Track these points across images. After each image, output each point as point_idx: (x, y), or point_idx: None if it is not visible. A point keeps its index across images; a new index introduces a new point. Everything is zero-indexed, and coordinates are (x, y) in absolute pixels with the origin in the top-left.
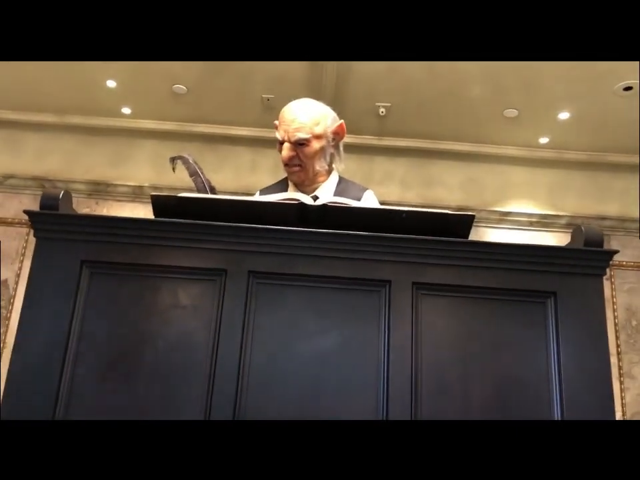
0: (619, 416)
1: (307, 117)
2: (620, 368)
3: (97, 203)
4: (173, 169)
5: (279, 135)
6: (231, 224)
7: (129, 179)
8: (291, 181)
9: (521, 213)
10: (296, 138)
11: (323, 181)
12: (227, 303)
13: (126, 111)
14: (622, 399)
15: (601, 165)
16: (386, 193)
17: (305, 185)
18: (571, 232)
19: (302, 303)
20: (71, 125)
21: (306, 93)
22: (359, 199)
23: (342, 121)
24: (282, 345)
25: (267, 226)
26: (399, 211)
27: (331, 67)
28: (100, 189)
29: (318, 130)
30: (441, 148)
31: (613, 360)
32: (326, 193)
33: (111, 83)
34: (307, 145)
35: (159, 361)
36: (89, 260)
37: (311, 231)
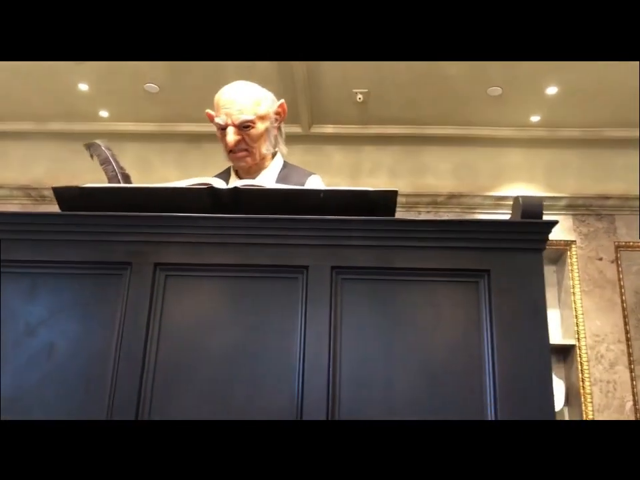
0: (629, 406)
1: (247, 98)
2: (630, 355)
3: None
4: (91, 156)
5: (220, 121)
6: (134, 214)
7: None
8: (238, 168)
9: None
10: (240, 120)
11: (265, 167)
12: (131, 298)
13: (104, 114)
14: (633, 388)
15: (599, 141)
16: (376, 184)
17: (251, 172)
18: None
19: (214, 295)
20: (52, 132)
21: (278, 83)
22: (302, 184)
23: (282, 100)
24: (192, 340)
25: (173, 214)
26: (316, 190)
27: None
28: None
29: (261, 110)
30: (428, 133)
31: (622, 347)
32: (268, 179)
33: (83, 87)
34: (252, 127)
35: (60, 362)
36: None
37: (220, 217)
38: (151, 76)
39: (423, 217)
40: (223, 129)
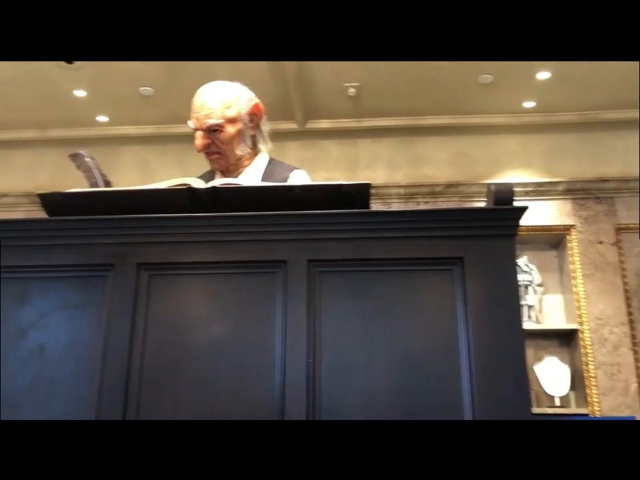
0: (634, 387)
1: (216, 101)
2: (633, 337)
3: None
4: (77, 167)
5: (191, 124)
6: (116, 216)
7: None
8: (213, 169)
9: (515, 182)
10: (207, 125)
11: (248, 165)
12: (116, 298)
13: (102, 119)
14: (637, 370)
15: (596, 123)
16: (373, 176)
17: (231, 171)
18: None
19: (196, 292)
20: (53, 139)
21: (269, 80)
22: (286, 180)
23: (257, 100)
24: (176, 338)
25: (154, 215)
26: (291, 186)
27: None
28: None
29: (230, 113)
30: (424, 124)
31: (625, 329)
32: (252, 177)
33: (80, 93)
34: (221, 131)
35: (50, 364)
36: None
37: (199, 216)
38: (145, 79)
39: (422, 207)
40: (195, 131)
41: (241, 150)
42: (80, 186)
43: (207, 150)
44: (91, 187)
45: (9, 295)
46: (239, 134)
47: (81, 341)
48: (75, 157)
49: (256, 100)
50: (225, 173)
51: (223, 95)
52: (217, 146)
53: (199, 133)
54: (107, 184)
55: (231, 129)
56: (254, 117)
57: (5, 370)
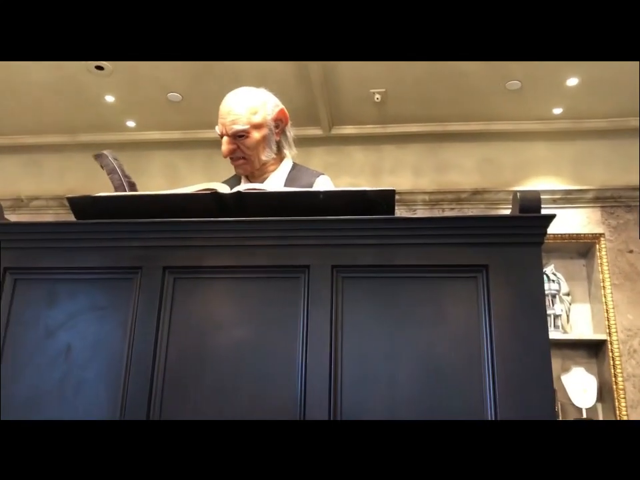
0: None
1: (242, 107)
2: None
3: None
4: (101, 167)
5: (217, 130)
6: (143, 220)
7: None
8: (238, 174)
9: (542, 190)
10: (233, 130)
11: (273, 170)
12: (141, 300)
13: (130, 124)
14: None
15: (625, 131)
16: (398, 182)
17: (256, 176)
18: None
19: (220, 296)
20: (83, 143)
21: (295, 87)
22: (310, 185)
23: (283, 106)
24: (199, 340)
25: (180, 219)
26: (316, 192)
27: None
28: None
29: (256, 119)
30: (449, 130)
31: None
32: (276, 182)
33: (110, 98)
34: (247, 137)
35: (76, 363)
36: (12, 267)
37: (224, 221)
38: (173, 85)
39: (447, 214)
40: (221, 137)
41: (266, 155)
42: (108, 189)
43: (233, 155)
44: (116, 188)
45: (38, 296)
46: (265, 139)
47: (107, 342)
48: (99, 157)
49: (281, 106)
50: (250, 178)
51: (248, 101)
52: (243, 151)
53: (225, 139)
54: (131, 185)
55: (256, 135)
56: (279, 122)
57: (33, 370)
